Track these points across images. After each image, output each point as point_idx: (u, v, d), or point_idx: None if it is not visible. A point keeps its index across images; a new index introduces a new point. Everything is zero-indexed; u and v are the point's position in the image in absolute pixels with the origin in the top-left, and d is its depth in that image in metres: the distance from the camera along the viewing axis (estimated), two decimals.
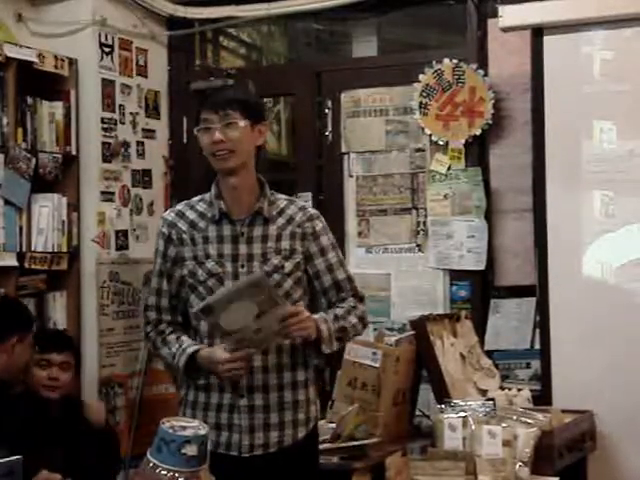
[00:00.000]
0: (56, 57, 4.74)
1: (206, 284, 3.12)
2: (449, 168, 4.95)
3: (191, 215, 3.20)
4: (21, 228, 4.53)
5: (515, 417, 3.88)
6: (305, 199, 5.01)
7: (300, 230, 3.16)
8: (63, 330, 4.62)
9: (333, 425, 3.84)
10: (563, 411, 4.19)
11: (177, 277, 3.20)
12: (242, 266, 3.11)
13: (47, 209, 4.66)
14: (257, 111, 3.17)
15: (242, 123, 3.08)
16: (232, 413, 3.10)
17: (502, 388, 4.47)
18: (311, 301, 3.28)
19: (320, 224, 3.21)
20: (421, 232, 5.06)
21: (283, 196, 3.26)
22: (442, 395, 4.05)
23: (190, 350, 3.10)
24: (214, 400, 3.12)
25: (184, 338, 3.16)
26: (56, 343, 4.18)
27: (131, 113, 5.17)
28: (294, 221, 3.17)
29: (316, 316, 3.08)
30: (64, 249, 4.76)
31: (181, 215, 3.21)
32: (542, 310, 4.63)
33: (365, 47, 5.48)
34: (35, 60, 4.60)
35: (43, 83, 4.71)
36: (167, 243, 3.21)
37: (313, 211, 3.24)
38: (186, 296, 3.19)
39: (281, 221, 3.16)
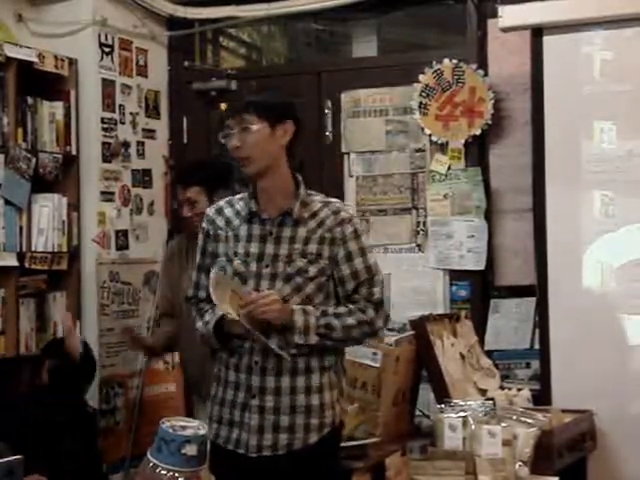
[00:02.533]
0: (56, 57, 4.74)
1: None
2: (449, 168, 4.96)
3: (228, 212, 3.22)
4: (21, 228, 4.54)
5: (515, 417, 3.88)
6: None
7: (330, 235, 3.13)
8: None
9: None
10: (563, 411, 4.19)
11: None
12: (266, 266, 3.11)
13: (47, 209, 4.67)
14: (278, 110, 3.12)
15: (256, 127, 3.07)
16: (244, 411, 3.11)
17: (502, 388, 4.47)
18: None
19: (350, 228, 3.16)
20: (421, 232, 5.07)
21: (319, 197, 3.23)
22: (442, 395, 4.05)
23: (219, 313, 3.11)
24: (229, 397, 3.14)
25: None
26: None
27: (131, 113, 5.18)
28: (324, 225, 3.14)
29: (296, 307, 3.06)
30: (64, 249, 4.76)
31: (220, 212, 3.24)
32: (542, 310, 4.63)
33: (365, 47, 5.48)
34: (35, 60, 4.60)
35: (43, 83, 4.71)
36: (206, 238, 3.24)
37: (345, 215, 3.18)
38: None
39: (312, 224, 3.14)
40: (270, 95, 3.22)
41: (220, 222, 3.21)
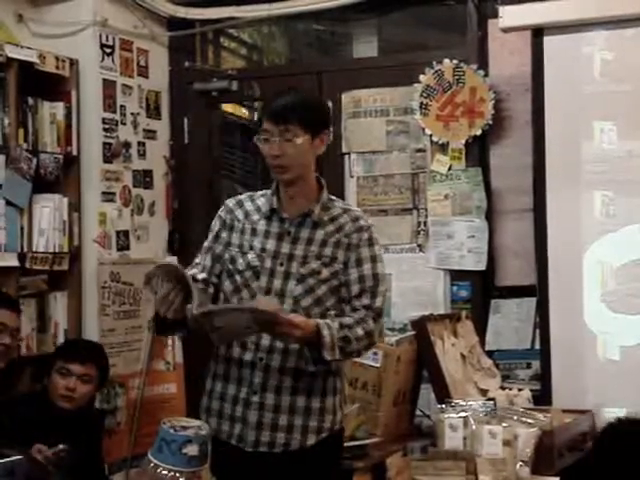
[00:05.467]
0: (57, 58, 4.74)
1: (243, 274, 3.14)
2: (450, 168, 4.96)
3: (249, 207, 3.23)
4: (22, 228, 4.54)
5: (516, 417, 3.88)
6: None
7: (347, 240, 3.14)
8: (94, 342, 4.58)
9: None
10: (563, 411, 4.19)
11: (224, 259, 3.21)
12: (281, 264, 3.11)
13: (48, 209, 4.67)
14: (319, 120, 3.14)
15: (300, 140, 3.06)
16: (246, 408, 3.11)
17: (503, 388, 4.47)
18: None
19: (366, 235, 3.16)
20: (422, 232, 5.07)
21: (340, 204, 3.24)
22: (443, 395, 4.06)
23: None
24: (231, 392, 3.14)
25: None
26: (80, 354, 4.17)
27: (132, 113, 5.18)
28: (343, 230, 3.15)
29: (320, 321, 3.02)
30: (65, 249, 4.76)
31: (240, 204, 3.25)
32: (542, 310, 4.64)
33: (366, 48, 5.49)
34: (36, 61, 4.60)
35: (44, 84, 4.71)
36: (222, 227, 3.24)
37: (364, 223, 3.19)
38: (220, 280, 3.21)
39: (330, 228, 3.15)
40: (314, 102, 3.21)
41: (239, 214, 3.22)
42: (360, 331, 3.08)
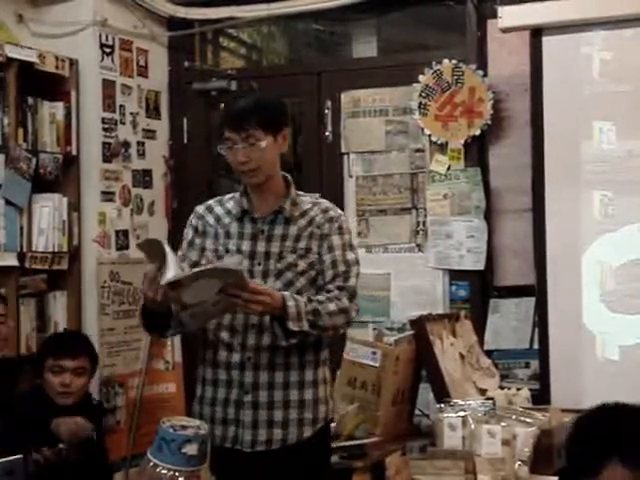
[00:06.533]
0: (57, 57, 4.75)
1: None
2: (448, 168, 4.97)
3: (219, 211, 3.27)
4: (22, 228, 4.55)
5: (514, 416, 3.89)
6: None
7: (319, 231, 3.18)
8: (79, 332, 4.58)
9: (333, 424, 3.84)
10: (562, 410, 4.19)
11: (200, 264, 3.21)
12: (259, 264, 3.15)
13: (48, 209, 4.67)
14: (278, 120, 3.18)
15: (264, 143, 3.11)
16: (239, 408, 3.12)
17: (501, 387, 4.47)
18: None
19: (337, 225, 3.20)
20: (421, 232, 5.07)
21: (309, 198, 3.29)
22: (442, 394, 4.06)
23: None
24: (221, 395, 3.15)
25: None
26: (70, 348, 4.17)
27: (131, 113, 5.19)
28: (314, 222, 3.20)
29: (286, 293, 3.05)
30: (65, 249, 4.77)
31: (210, 209, 3.29)
32: (541, 310, 4.64)
33: (365, 48, 5.49)
34: (36, 60, 4.60)
35: (44, 83, 4.72)
36: (195, 233, 3.27)
37: (334, 213, 3.24)
38: None
39: (302, 222, 3.19)
40: (270, 102, 3.23)
41: (210, 219, 3.26)
42: (332, 306, 3.09)
